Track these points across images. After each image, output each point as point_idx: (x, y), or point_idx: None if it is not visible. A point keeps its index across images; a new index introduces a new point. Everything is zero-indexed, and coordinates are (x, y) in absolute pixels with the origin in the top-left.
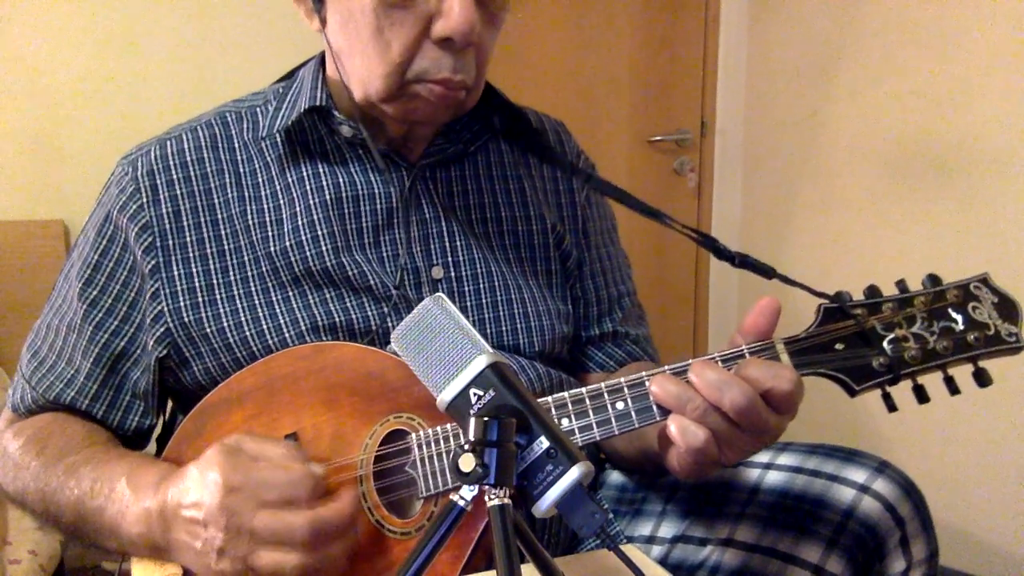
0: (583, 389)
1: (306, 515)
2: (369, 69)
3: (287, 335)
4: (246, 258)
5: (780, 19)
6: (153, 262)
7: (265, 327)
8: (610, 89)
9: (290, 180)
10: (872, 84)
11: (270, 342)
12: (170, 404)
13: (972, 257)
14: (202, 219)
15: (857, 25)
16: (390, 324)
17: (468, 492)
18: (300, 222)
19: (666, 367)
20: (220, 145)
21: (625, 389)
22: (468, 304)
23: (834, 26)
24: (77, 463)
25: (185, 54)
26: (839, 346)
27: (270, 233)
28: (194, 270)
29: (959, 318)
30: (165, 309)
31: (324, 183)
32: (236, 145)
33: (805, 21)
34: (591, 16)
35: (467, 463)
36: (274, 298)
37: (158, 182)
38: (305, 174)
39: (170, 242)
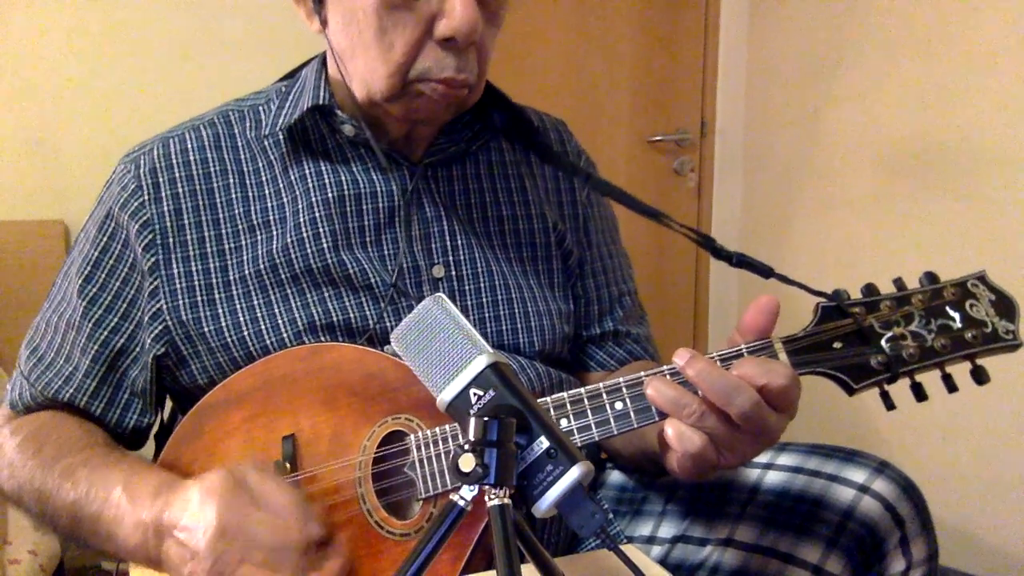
0: (582, 389)
1: None
2: (372, 69)
3: (284, 335)
4: (246, 257)
5: (780, 19)
6: (153, 260)
7: (263, 327)
8: (610, 89)
9: (292, 178)
10: (872, 84)
11: (267, 342)
12: (169, 404)
13: (972, 256)
14: (203, 218)
15: (857, 25)
16: (388, 323)
17: (468, 492)
18: (301, 219)
19: (665, 368)
20: (223, 144)
21: (624, 389)
22: (469, 303)
23: (834, 26)
24: (74, 465)
25: (185, 54)
26: (837, 345)
27: (272, 232)
28: (193, 269)
29: (957, 316)
30: (163, 307)
31: (326, 181)
32: (239, 144)
33: (805, 21)
34: (591, 16)
35: (467, 463)
36: (272, 297)
37: (160, 180)
38: (307, 172)
39: (170, 240)
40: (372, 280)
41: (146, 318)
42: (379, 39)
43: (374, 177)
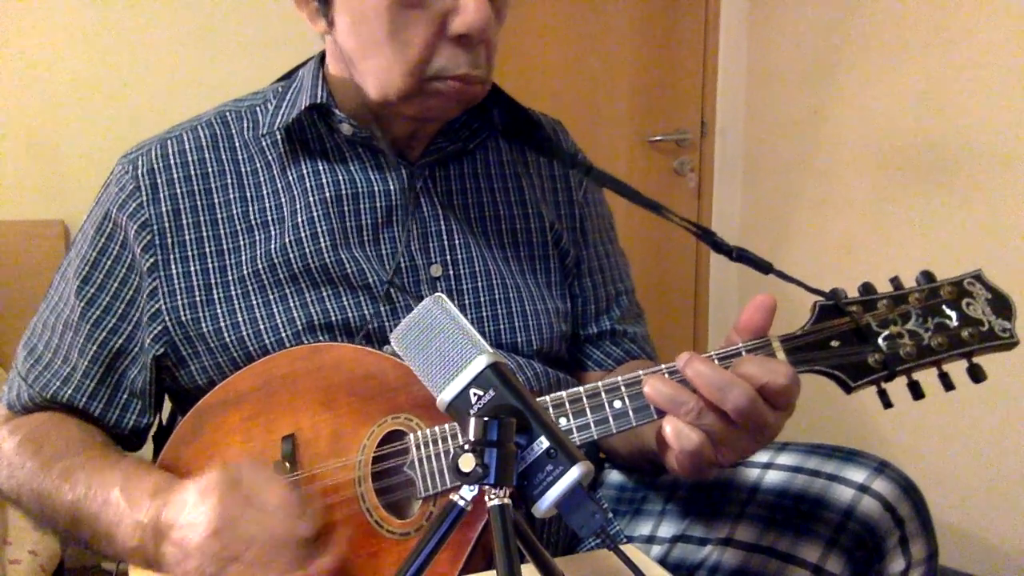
0: (580, 389)
1: None
2: (388, 69)
3: (283, 335)
4: (244, 257)
5: (780, 19)
6: (151, 260)
7: (262, 327)
8: (610, 89)
9: (290, 178)
10: (872, 84)
11: (266, 342)
12: (169, 405)
13: (971, 256)
14: (201, 218)
15: (857, 25)
16: (386, 322)
17: (468, 492)
18: (300, 219)
19: (663, 366)
20: (221, 144)
21: (622, 388)
22: (466, 302)
23: (834, 26)
24: (72, 467)
25: (185, 54)
26: (835, 343)
27: (271, 232)
28: (192, 269)
29: (953, 314)
30: (162, 307)
31: (324, 181)
32: (236, 144)
33: (805, 21)
34: (591, 16)
35: (467, 463)
36: (271, 297)
37: (158, 181)
38: (305, 172)
39: (169, 241)
40: (370, 279)
41: (145, 319)
42: (393, 38)
43: (372, 176)
